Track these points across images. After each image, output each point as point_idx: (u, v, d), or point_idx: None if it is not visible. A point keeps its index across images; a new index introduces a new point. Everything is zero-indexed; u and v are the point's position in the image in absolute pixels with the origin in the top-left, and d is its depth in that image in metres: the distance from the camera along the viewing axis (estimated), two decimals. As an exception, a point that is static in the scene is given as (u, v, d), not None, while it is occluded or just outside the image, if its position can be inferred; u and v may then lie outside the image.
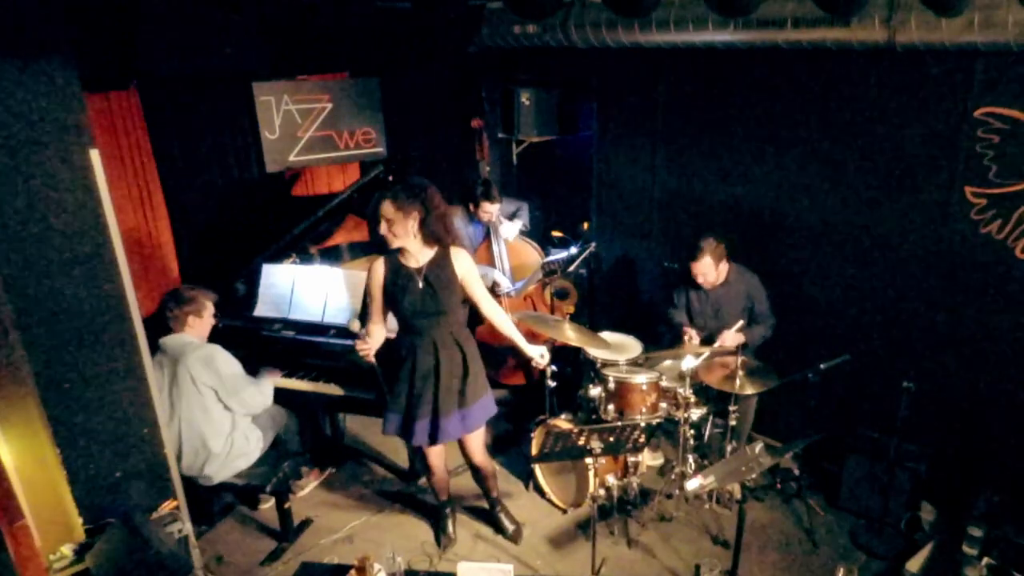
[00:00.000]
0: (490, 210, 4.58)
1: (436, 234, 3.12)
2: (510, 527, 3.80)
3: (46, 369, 2.73)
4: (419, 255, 3.16)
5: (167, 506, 3.11)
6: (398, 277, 3.18)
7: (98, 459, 2.96)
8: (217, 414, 3.52)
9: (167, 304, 3.52)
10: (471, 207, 4.59)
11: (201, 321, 3.58)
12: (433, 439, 3.34)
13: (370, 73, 5.03)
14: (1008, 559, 3.14)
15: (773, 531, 3.85)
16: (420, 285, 3.15)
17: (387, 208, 3.03)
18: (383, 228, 3.06)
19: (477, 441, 3.51)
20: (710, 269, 3.96)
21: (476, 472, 3.69)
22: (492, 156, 5.82)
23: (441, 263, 3.17)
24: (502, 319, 3.39)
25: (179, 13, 4.08)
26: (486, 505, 3.90)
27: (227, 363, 3.55)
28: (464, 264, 3.20)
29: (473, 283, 3.24)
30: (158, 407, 3.14)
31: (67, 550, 2.75)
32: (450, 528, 3.80)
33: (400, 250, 3.16)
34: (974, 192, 3.53)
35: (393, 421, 3.36)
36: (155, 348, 3.48)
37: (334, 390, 3.97)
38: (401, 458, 4.46)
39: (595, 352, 4.02)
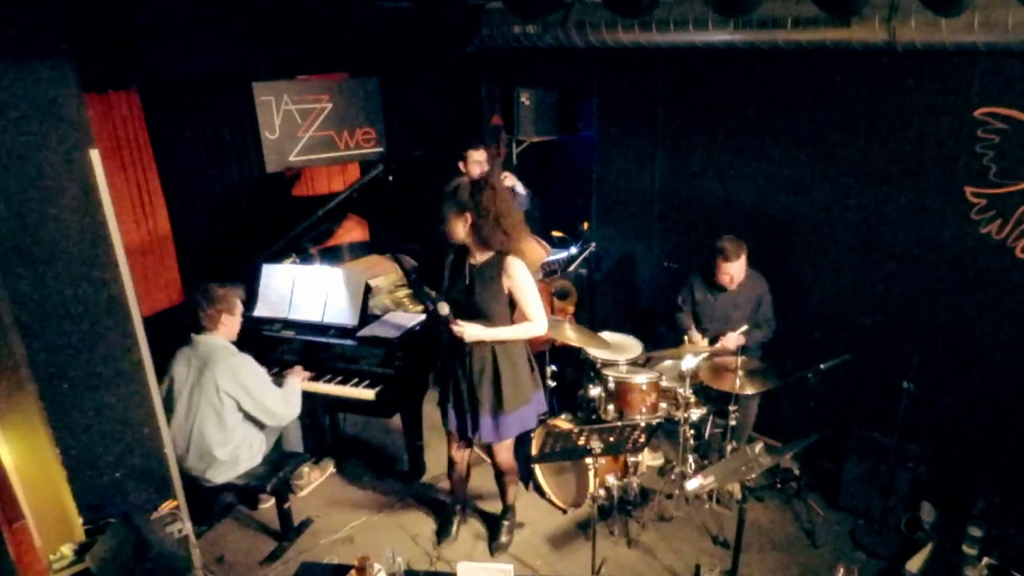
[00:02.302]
0: (477, 159, 4.49)
1: (486, 240, 3.11)
2: (503, 541, 3.72)
3: (46, 369, 2.73)
4: (477, 254, 3.19)
5: (167, 506, 3.11)
6: (455, 266, 3.25)
7: (98, 459, 2.96)
8: (230, 424, 3.49)
9: (199, 303, 3.45)
10: (462, 165, 4.53)
11: (233, 319, 3.54)
12: (463, 432, 3.39)
13: (370, 73, 5.03)
14: (1008, 559, 3.14)
15: (773, 531, 3.85)
16: (467, 282, 3.19)
17: (444, 208, 3.11)
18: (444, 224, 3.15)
19: (505, 446, 3.47)
20: (742, 269, 3.97)
21: (499, 475, 3.64)
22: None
23: (491, 269, 3.16)
24: (537, 331, 3.25)
25: (179, 13, 4.09)
26: (489, 508, 3.90)
27: (254, 376, 3.50)
28: (515, 275, 3.13)
29: (521, 294, 3.17)
30: (158, 407, 3.14)
31: (67, 550, 2.74)
32: (454, 528, 3.80)
33: None
34: (974, 192, 3.53)
35: (443, 409, 3.43)
36: (159, 346, 3.43)
37: (335, 390, 3.96)
38: (401, 458, 4.46)
39: (595, 352, 4.02)
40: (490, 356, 3.23)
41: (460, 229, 3.12)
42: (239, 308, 3.58)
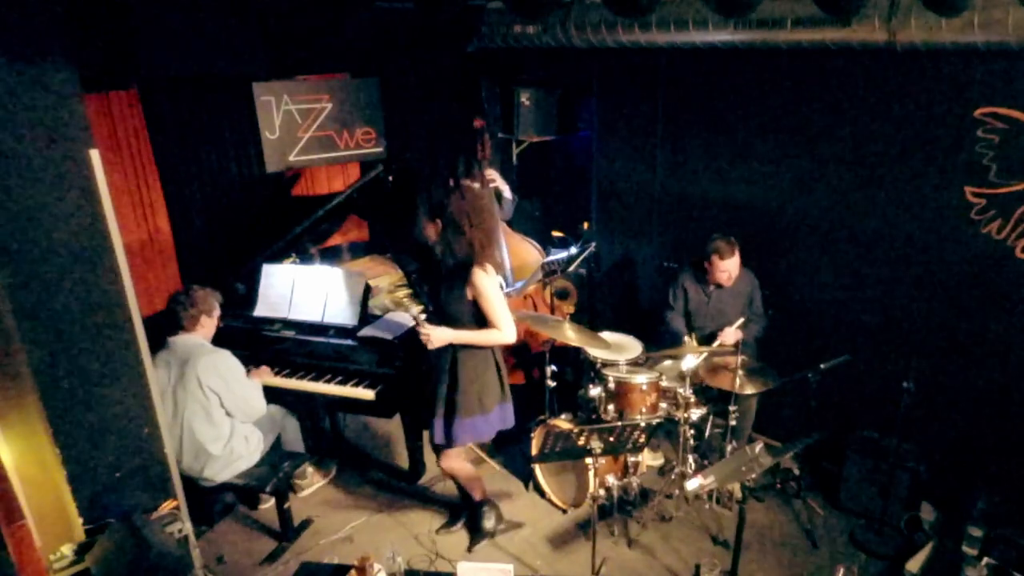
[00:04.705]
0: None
1: (452, 248, 3.14)
2: (486, 527, 3.73)
3: (46, 369, 2.73)
4: (450, 259, 3.20)
5: (167, 506, 3.11)
6: (436, 269, 3.27)
7: (98, 459, 2.96)
8: (218, 418, 3.53)
9: (180, 304, 3.52)
10: (451, 183, 4.51)
11: (211, 320, 3.61)
12: (433, 437, 3.40)
13: (370, 73, 5.02)
14: (1008, 559, 3.14)
15: (773, 531, 3.85)
16: (440, 286, 3.23)
17: (419, 210, 3.19)
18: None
19: (451, 454, 3.48)
20: (737, 265, 3.99)
21: (454, 480, 3.65)
22: (492, 156, 5.81)
23: (458, 276, 3.18)
24: (502, 339, 3.25)
25: (179, 13, 4.08)
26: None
27: (234, 370, 3.56)
28: (477, 287, 3.13)
29: (487, 304, 3.17)
30: (158, 407, 3.14)
31: (67, 550, 2.75)
32: (458, 524, 3.85)
33: None
34: (974, 192, 3.53)
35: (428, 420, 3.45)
36: (159, 346, 3.49)
37: (335, 390, 3.96)
38: (401, 458, 4.46)
39: (595, 352, 4.02)
40: (450, 359, 3.25)
41: (432, 233, 3.18)
42: (217, 310, 3.67)
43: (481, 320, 3.22)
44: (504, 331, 3.21)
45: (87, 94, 2.82)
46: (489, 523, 3.77)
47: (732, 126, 4.43)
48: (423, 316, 3.24)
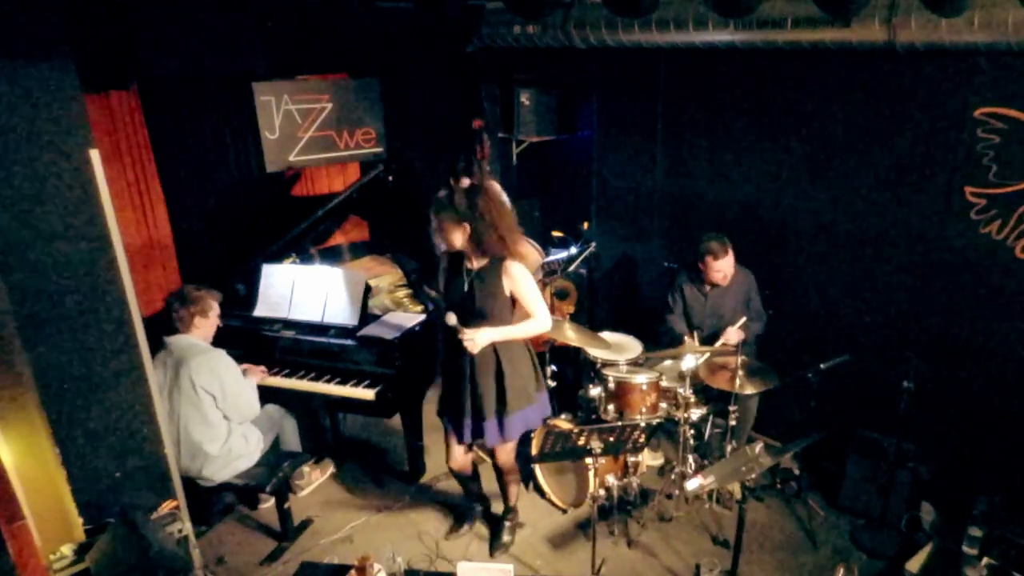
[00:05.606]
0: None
1: (484, 247, 3.10)
2: (505, 540, 3.73)
3: (46, 369, 2.73)
4: (474, 258, 3.17)
5: (167, 506, 3.11)
6: (452, 272, 3.24)
7: (98, 459, 2.96)
8: (214, 418, 3.52)
9: (172, 304, 3.52)
10: (452, 183, 4.50)
11: (207, 321, 3.58)
12: (461, 437, 3.38)
13: (370, 73, 5.03)
14: (1008, 559, 3.14)
15: (773, 531, 3.85)
16: (466, 287, 3.17)
17: (434, 218, 3.10)
18: (434, 234, 3.14)
19: (507, 448, 3.47)
20: (731, 264, 3.99)
21: (500, 475, 3.65)
22: (492, 156, 5.82)
23: (491, 272, 3.15)
24: (540, 328, 3.27)
25: (179, 13, 4.09)
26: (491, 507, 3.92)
27: (229, 370, 3.55)
28: (514, 278, 3.13)
29: (524, 295, 3.18)
30: (158, 407, 3.14)
31: (67, 550, 2.74)
32: (464, 527, 3.84)
33: None
34: (974, 192, 3.53)
35: (447, 417, 3.43)
36: (158, 346, 3.49)
37: (335, 390, 3.96)
38: (401, 458, 4.46)
39: (595, 352, 4.02)
40: (493, 356, 3.22)
41: (459, 239, 3.10)
42: (214, 311, 3.62)
43: (512, 313, 3.22)
44: (542, 320, 3.22)
45: (87, 94, 2.83)
46: (511, 532, 3.76)
47: (732, 126, 4.43)
48: (454, 319, 3.16)
